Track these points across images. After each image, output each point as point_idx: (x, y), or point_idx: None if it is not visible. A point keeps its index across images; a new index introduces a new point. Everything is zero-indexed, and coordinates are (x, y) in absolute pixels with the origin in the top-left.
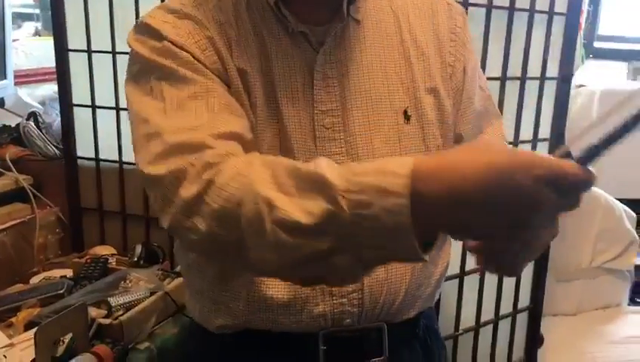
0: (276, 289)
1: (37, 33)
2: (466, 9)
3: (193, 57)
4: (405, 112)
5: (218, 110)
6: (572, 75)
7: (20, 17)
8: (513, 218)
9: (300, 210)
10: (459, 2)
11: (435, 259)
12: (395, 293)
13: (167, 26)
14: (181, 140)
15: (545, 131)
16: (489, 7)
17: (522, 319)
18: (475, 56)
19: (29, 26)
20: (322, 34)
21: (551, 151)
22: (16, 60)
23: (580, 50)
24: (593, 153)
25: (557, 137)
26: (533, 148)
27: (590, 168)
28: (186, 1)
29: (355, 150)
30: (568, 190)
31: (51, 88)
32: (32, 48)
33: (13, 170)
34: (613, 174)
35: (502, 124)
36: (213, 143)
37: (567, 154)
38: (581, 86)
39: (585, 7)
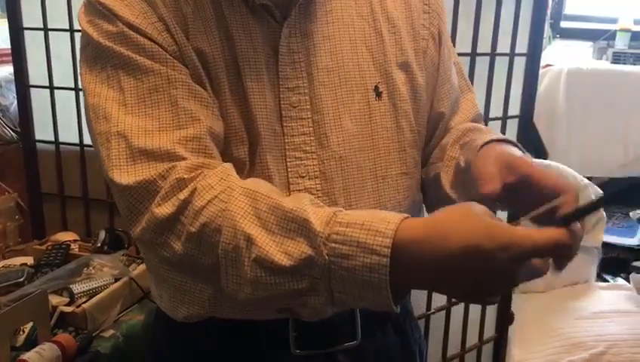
0: None
1: None
2: None
3: (151, 40)
4: (376, 88)
5: (182, 102)
6: (541, 51)
7: None
8: (490, 288)
9: (280, 251)
10: None
11: None
12: None
13: (120, 5)
14: (147, 145)
15: (514, 110)
16: None
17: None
18: (446, 29)
19: None
20: (286, 7)
21: (520, 129)
22: None
23: (547, 30)
24: (581, 213)
25: (526, 115)
26: (503, 125)
27: (575, 226)
28: None
29: (323, 130)
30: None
31: (7, 70)
32: None
33: None
34: (579, 153)
35: (475, 97)
36: (182, 151)
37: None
38: (548, 66)
39: None
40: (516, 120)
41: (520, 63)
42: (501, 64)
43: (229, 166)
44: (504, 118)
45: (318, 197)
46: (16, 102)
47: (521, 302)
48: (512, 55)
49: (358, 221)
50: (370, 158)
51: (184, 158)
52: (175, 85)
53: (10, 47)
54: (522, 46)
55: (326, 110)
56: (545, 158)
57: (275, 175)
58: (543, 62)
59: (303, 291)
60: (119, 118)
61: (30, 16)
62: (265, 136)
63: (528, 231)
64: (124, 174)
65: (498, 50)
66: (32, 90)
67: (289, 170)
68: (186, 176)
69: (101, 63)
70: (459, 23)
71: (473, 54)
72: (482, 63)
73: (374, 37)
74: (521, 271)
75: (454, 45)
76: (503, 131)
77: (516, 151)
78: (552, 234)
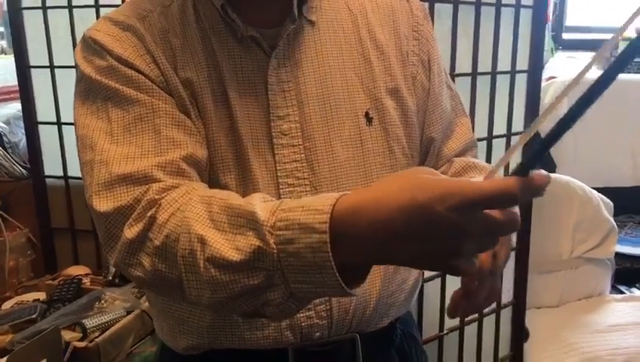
0: None
1: (2, 51)
2: (432, 6)
3: (139, 72)
4: (367, 114)
5: (165, 131)
6: (542, 66)
7: None
8: (441, 247)
9: (230, 247)
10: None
11: None
12: (366, 303)
13: (111, 40)
14: (126, 171)
15: (519, 126)
16: (455, 3)
17: (506, 314)
18: (439, 54)
19: None
20: (274, 37)
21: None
22: None
23: (549, 43)
24: (534, 156)
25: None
26: (508, 142)
27: (529, 175)
28: (130, 11)
29: (314, 156)
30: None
31: (16, 107)
32: None
33: None
34: (587, 163)
35: (469, 122)
36: (159, 175)
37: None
38: (552, 78)
39: None
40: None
41: (522, 79)
42: (503, 81)
43: (200, 184)
44: (508, 135)
45: None
46: (25, 138)
47: (535, 317)
48: (513, 72)
49: (300, 204)
50: (362, 184)
51: (160, 180)
52: (159, 114)
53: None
54: (523, 62)
55: (317, 137)
56: (553, 171)
57: None
58: (546, 75)
59: (260, 287)
60: (104, 147)
61: (37, 53)
62: (256, 164)
63: (471, 181)
64: (102, 201)
65: (499, 69)
66: (41, 127)
67: (282, 196)
68: (156, 197)
69: (92, 97)
70: (458, 42)
71: (474, 74)
72: (484, 82)
73: (363, 64)
74: (472, 223)
75: (454, 66)
76: (508, 148)
77: None
78: (498, 181)
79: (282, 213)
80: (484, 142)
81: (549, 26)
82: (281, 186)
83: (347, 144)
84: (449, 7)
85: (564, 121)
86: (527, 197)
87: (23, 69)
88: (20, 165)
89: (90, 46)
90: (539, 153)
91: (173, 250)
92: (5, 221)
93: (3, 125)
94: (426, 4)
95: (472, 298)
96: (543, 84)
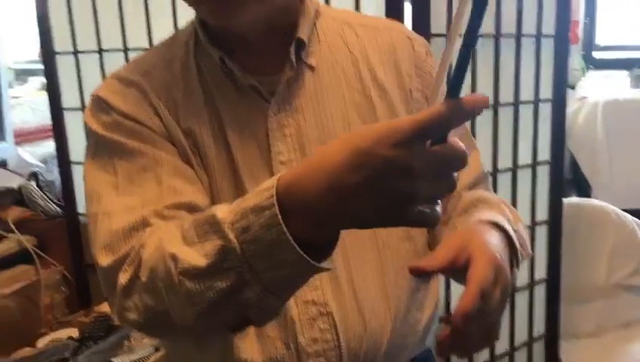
0: (251, 352)
1: (43, 88)
2: None
3: (142, 125)
4: None
5: (167, 180)
6: (565, 95)
7: (26, 73)
8: (394, 193)
9: (199, 255)
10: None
11: (420, 303)
12: (376, 347)
13: (115, 97)
14: (126, 223)
15: (544, 154)
16: None
17: (539, 347)
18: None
19: (35, 81)
20: (274, 83)
21: (552, 174)
22: (22, 116)
23: (579, 62)
24: (455, 76)
25: (556, 159)
26: (533, 172)
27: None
28: (134, 68)
29: None
30: (440, 135)
31: (52, 146)
32: (38, 104)
33: (16, 232)
34: (623, 185)
35: (479, 155)
36: (154, 220)
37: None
38: (584, 98)
39: (581, 18)
40: (547, 166)
41: (547, 108)
42: (526, 111)
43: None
44: (534, 165)
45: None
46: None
47: (572, 347)
48: (536, 102)
49: (253, 191)
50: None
51: (152, 225)
52: (162, 164)
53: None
54: (547, 90)
55: None
56: (588, 193)
57: None
58: (578, 95)
59: (234, 288)
60: (109, 199)
61: (69, 94)
62: None
63: (406, 116)
64: (104, 256)
65: (522, 98)
66: (74, 166)
67: None
68: (146, 239)
69: (99, 152)
70: (478, 74)
71: (495, 104)
72: (506, 113)
73: (365, 104)
74: (418, 158)
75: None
76: (534, 178)
77: (490, 239)
78: (429, 109)
79: (238, 207)
80: (509, 173)
81: (578, 45)
82: None
83: None
84: None
85: (468, 33)
86: (460, 120)
87: (57, 111)
88: (55, 203)
89: (97, 104)
90: (458, 71)
91: (155, 279)
92: (40, 258)
93: (40, 164)
94: (444, 39)
95: (460, 338)
96: (575, 105)
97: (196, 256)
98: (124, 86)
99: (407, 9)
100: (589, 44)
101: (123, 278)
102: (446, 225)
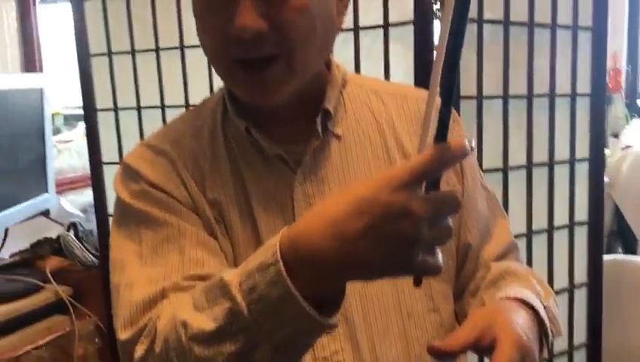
0: None
1: None
2: (481, 103)
3: (169, 195)
4: None
5: (189, 251)
6: (604, 154)
7: (75, 118)
8: (397, 237)
9: (208, 319)
10: None
11: None
12: None
13: (145, 164)
14: (146, 296)
15: (582, 215)
16: (505, 98)
17: None
18: (473, 156)
19: (84, 126)
20: (300, 153)
21: (590, 234)
22: (69, 161)
23: (623, 111)
24: (441, 120)
25: (594, 222)
26: (571, 233)
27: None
28: (163, 136)
29: None
30: (433, 180)
31: (92, 195)
32: (84, 147)
33: (53, 282)
34: None
35: (508, 224)
36: (173, 291)
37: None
38: (628, 147)
39: (623, 66)
40: (584, 226)
41: (583, 167)
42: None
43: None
44: (571, 226)
45: (339, 340)
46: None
47: None
48: (572, 161)
49: (258, 250)
50: (393, 296)
51: (169, 297)
52: (185, 235)
53: None
54: (584, 148)
55: None
56: (634, 246)
57: None
58: (622, 143)
59: (245, 351)
60: (133, 269)
61: (109, 148)
62: None
63: (402, 163)
64: (124, 329)
65: (557, 158)
66: (111, 218)
67: None
68: (163, 311)
69: (126, 220)
70: (511, 136)
71: (529, 164)
72: (541, 173)
73: None
74: (416, 201)
75: (507, 159)
76: (572, 240)
77: (517, 319)
78: (420, 156)
79: (243, 268)
80: (545, 234)
81: (621, 94)
82: None
83: None
84: (499, 102)
85: (448, 65)
86: (449, 163)
87: (96, 165)
88: (92, 253)
89: (127, 171)
90: (444, 114)
91: (168, 349)
92: (75, 308)
93: (80, 214)
94: (475, 102)
95: None
96: (619, 154)
97: (205, 321)
98: (154, 154)
99: None
100: (633, 92)
101: (139, 350)
102: (473, 296)
